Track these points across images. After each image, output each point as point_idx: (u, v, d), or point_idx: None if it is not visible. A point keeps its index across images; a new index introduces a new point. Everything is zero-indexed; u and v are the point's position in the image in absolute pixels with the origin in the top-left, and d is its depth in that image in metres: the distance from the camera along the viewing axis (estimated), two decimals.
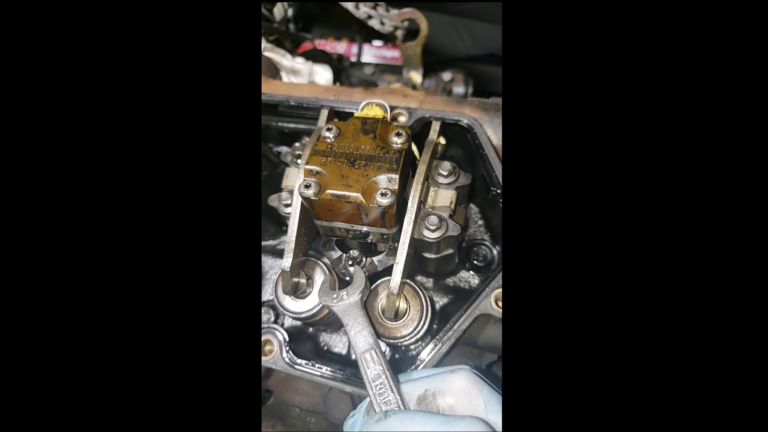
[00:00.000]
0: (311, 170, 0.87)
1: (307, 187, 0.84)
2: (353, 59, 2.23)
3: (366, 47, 2.30)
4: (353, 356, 0.86)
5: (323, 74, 1.74)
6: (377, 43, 2.31)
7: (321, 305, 0.97)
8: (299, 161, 0.99)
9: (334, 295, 0.89)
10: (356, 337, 0.84)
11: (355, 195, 0.83)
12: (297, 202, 0.92)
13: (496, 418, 0.71)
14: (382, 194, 0.82)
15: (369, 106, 0.98)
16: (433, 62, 2.10)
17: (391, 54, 2.30)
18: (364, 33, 2.28)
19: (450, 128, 1.07)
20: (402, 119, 1.08)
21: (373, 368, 0.79)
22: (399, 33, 1.75)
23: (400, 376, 0.83)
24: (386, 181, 0.84)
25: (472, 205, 1.17)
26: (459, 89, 1.90)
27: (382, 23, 1.70)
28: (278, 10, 1.90)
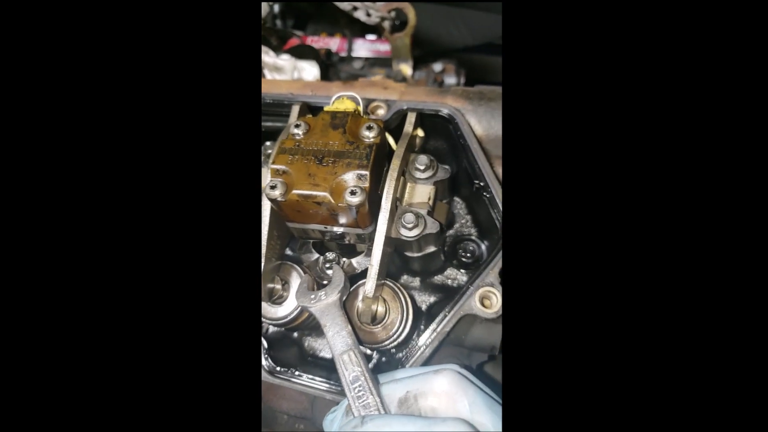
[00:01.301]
0: (278, 170, 0.83)
1: (273, 188, 0.80)
2: (345, 54, 2.19)
3: (359, 41, 2.25)
4: (331, 352, 0.82)
5: (310, 70, 1.70)
6: (371, 37, 2.26)
7: (298, 310, 0.93)
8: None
9: (312, 296, 0.86)
10: (334, 338, 0.81)
11: (323, 194, 0.79)
12: (266, 204, 0.87)
13: (483, 419, 0.68)
14: (352, 192, 0.78)
15: (340, 100, 0.93)
16: (428, 54, 2.05)
17: (385, 47, 2.25)
18: (355, 27, 2.23)
19: (430, 119, 1.02)
20: (381, 112, 1.03)
21: (351, 370, 0.76)
22: (386, 24, 1.69)
23: (383, 375, 0.80)
24: (356, 178, 0.80)
25: (457, 199, 1.12)
26: (450, 80, 1.84)
27: (368, 14, 1.65)
28: (263, 7, 1.86)
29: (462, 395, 0.70)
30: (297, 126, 0.87)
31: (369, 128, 0.84)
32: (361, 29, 2.24)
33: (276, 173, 0.83)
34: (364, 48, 2.25)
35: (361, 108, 0.94)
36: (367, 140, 0.84)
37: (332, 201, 0.79)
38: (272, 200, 0.82)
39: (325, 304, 0.85)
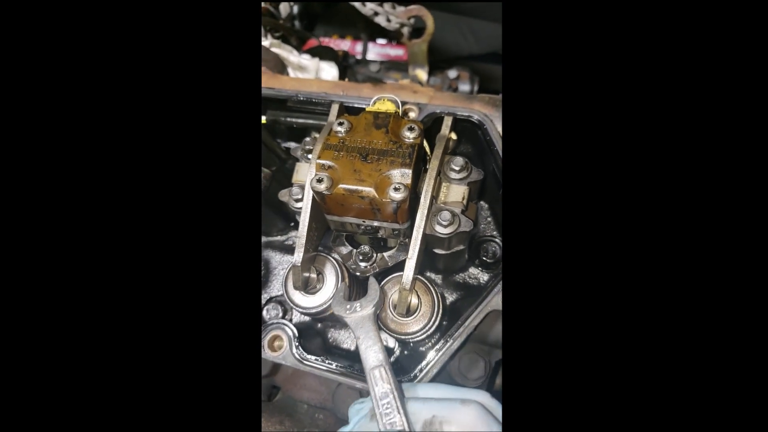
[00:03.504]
0: (323, 165, 0.86)
1: (320, 181, 0.84)
2: (358, 57, 2.23)
3: (370, 45, 2.29)
4: (362, 363, 0.84)
5: (329, 71, 1.73)
6: (381, 41, 2.30)
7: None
8: (310, 156, 0.98)
9: (348, 306, 0.88)
10: (367, 352, 0.82)
11: (368, 190, 0.83)
12: (308, 196, 0.91)
13: None
14: (395, 189, 0.82)
15: (381, 101, 0.97)
16: (437, 61, 2.10)
17: (395, 52, 2.30)
18: (369, 31, 2.27)
19: (460, 124, 1.07)
20: (412, 115, 1.07)
21: (381, 386, 0.77)
22: (405, 30, 1.74)
23: (407, 386, 0.82)
24: (399, 175, 0.84)
25: (481, 202, 1.17)
26: (465, 87, 1.90)
27: (389, 20, 1.70)
28: (284, 7, 1.89)
29: None
30: (340, 124, 0.91)
31: (410, 129, 0.88)
32: (372, 33, 2.29)
33: (321, 168, 0.86)
34: (374, 52, 2.30)
35: (400, 110, 0.98)
36: (408, 140, 0.88)
37: (376, 196, 0.83)
38: (318, 193, 0.85)
39: (360, 316, 0.86)
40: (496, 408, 0.76)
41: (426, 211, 0.88)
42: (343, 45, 2.33)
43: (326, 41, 2.31)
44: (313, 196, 0.90)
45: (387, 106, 0.96)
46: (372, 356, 0.81)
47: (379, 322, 0.95)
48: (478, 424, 0.71)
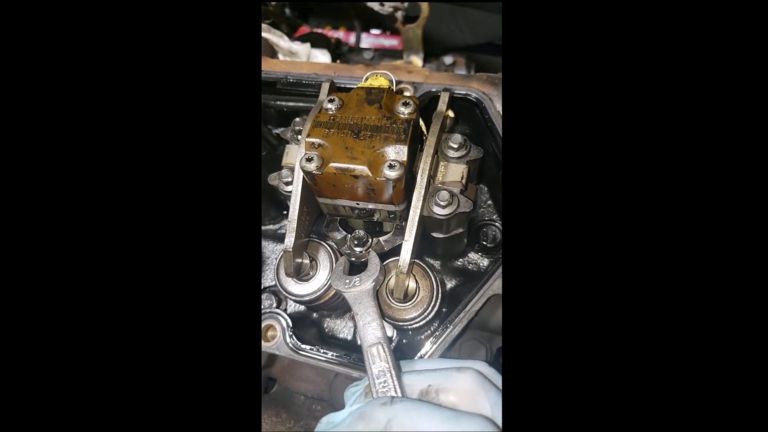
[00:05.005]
0: (313, 143, 0.82)
1: (309, 160, 0.80)
2: (353, 46, 2.18)
3: (364, 36, 2.25)
4: (359, 341, 0.82)
5: (321, 58, 1.69)
6: (375, 31, 2.26)
7: (325, 288, 0.92)
8: (300, 137, 0.94)
9: (347, 280, 0.85)
10: (365, 329, 0.80)
11: (361, 168, 0.78)
12: (299, 178, 0.87)
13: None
14: (390, 166, 0.77)
15: (373, 77, 0.93)
16: (432, 51, 2.06)
17: (390, 42, 2.26)
18: (362, 21, 2.23)
19: (457, 103, 1.02)
20: (407, 94, 1.03)
21: (378, 364, 0.75)
22: (399, 14, 1.70)
23: (404, 363, 0.79)
24: (394, 152, 0.79)
25: (480, 185, 1.13)
26: (461, 72, 1.86)
27: (382, 4, 1.66)
28: None
29: (484, 396, 0.69)
30: (330, 101, 0.87)
31: (405, 104, 0.84)
32: (366, 24, 2.25)
33: (311, 146, 0.82)
34: (367, 42, 2.25)
35: (394, 86, 0.94)
36: (402, 116, 0.83)
37: (370, 174, 0.78)
38: (308, 173, 0.81)
39: (359, 291, 0.84)
40: (494, 376, 0.73)
41: (423, 191, 0.83)
42: (336, 36, 2.28)
43: (319, 32, 2.27)
44: (304, 178, 0.86)
45: (380, 82, 0.92)
46: (370, 333, 0.79)
47: None
48: (476, 390, 0.69)
